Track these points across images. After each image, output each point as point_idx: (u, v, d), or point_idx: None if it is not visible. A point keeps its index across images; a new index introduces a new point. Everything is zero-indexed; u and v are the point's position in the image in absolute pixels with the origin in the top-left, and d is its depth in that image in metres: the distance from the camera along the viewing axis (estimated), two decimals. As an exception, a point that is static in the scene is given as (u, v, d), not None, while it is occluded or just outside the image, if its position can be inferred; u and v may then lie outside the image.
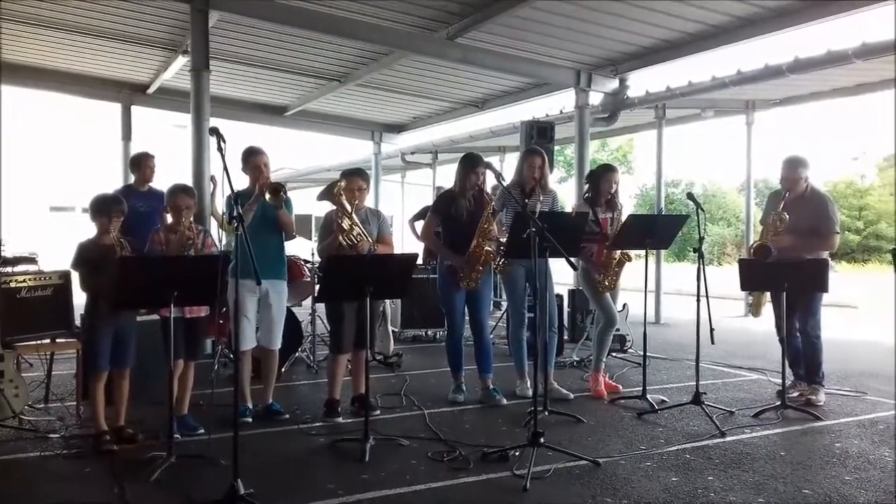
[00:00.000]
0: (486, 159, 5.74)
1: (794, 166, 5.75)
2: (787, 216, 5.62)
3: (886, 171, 34.02)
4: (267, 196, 4.92)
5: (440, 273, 5.88)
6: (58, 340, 5.43)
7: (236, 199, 3.82)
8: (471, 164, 5.66)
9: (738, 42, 8.49)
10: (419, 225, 8.52)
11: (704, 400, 5.29)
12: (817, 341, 5.70)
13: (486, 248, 5.53)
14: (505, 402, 5.66)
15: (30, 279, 5.34)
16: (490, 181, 6.02)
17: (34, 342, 5.33)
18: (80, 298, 4.84)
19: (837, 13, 7.55)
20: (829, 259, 5.76)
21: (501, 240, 5.58)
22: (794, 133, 34.47)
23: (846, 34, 8.08)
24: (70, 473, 4.07)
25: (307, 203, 8.21)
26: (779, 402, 5.43)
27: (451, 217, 5.71)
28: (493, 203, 5.62)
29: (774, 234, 5.68)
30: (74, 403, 5.32)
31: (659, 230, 5.79)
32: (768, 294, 5.89)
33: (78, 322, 5.34)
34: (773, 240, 5.67)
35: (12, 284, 5.18)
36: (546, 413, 5.11)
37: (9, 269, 6.34)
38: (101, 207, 4.57)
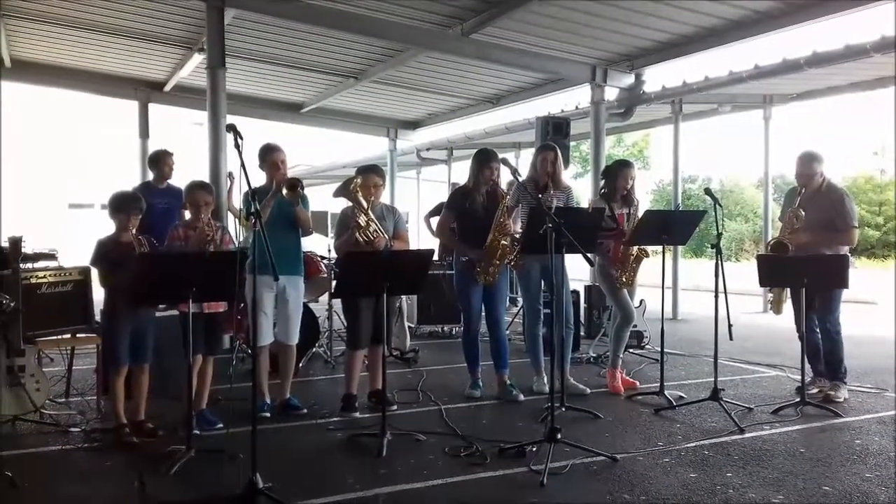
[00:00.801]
0: (501, 155, 5.74)
1: (808, 162, 5.70)
2: (803, 213, 5.58)
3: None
4: (284, 192, 4.94)
5: (457, 269, 5.89)
6: (78, 335, 5.49)
7: (253, 195, 3.84)
8: (484, 159, 5.65)
9: (755, 36, 8.44)
10: (434, 221, 8.52)
11: (723, 396, 5.26)
12: (837, 337, 5.65)
13: (503, 242, 5.53)
14: (522, 397, 5.66)
15: (50, 275, 5.40)
16: (506, 177, 6.01)
17: (55, 337, 5.39)
18: (99, 294, 4.89)
19: (855, 7, 7.48)
20: (849, 255, 5.71)
21: (517, 235, 5.58)
22: (812, 128, 34.07)
23: (864, 28, 8.00)
24: (91, 467, 4.13)
25: (323, 199, 8.23)
26: (798, 399, 5.39)
27: (465, 212, 5.71)
28: (507, 198, 5.61)
29: (791, 231, 5.64)
30: (95, 398, 5.38)
31: (676, 226, 5.76)
32: (787, 291, 5.85)
33: (98, 317, 5.39)
34: (789, 237, 5.63)
35: (33, 280, 5.24)
36: (563, 409, 5.10)
37: (29, 265, 6.39)
38: (120, 205, 4.62)
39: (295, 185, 4.98)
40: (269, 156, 5.21)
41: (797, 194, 5.69)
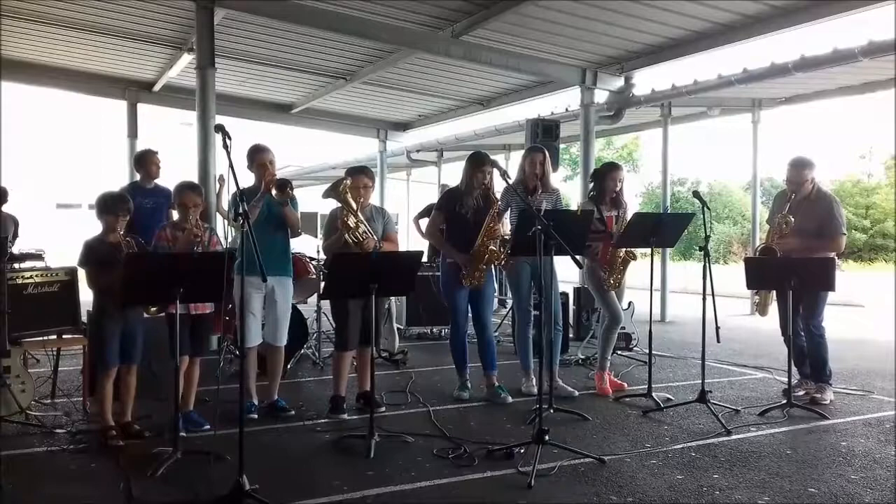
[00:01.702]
0: (492, 157, 5.73)
1: (799, 168, 5.73)
2: (792, 219, 5.60)
3: (893, 170, 33.84)
4: (273, 192, 4.93)
5: (443, 271, 5.88)
6: (64, 336, 5.45)
7: (241, 196, 3.82)
8: (478, 162, 5.65)
9: (744, 40, 8.48)
10: (424, 223, 8.53)
11: (710, 398, 5.28)
12: (821, 339, 5.68)
13: (491, 247, 5.53)
14: (510, 399, 5.66)
15: (37, 275, 5.36)
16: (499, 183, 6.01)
17: (41, 338, 5.35)
18: (86, 294, 4.87)
19: (844, 11, 7.53)
20: (836, 258, 5.74)
21: (506, 237, 5.58)
22: (800, 131, 34.32)
23: (853, 32, 8.07)
24: (76, 469, 4.09)
25: (313, 201, 8.24)
26: (785, 401, 5.42)
27: (455, 215, 5.71)
28: (499, 203, 5.62)
29: (780, 236, 5.67)
30: (81, 399, 5.35)
31: (664, 228, 5.78)
32: (774, 293, 5.87)
33: (84, 318, 5.36)
34: (778, 243, 5.66)
35: (19, 280, 5.20)
36: (551, 411, 5.10)
37: (16, 266, 6.35)
38: (107, 206, 4.59)
39: (284, 185, 4.96)
40: (258, 156, 5.19)
41: (787, 199, 5.71)
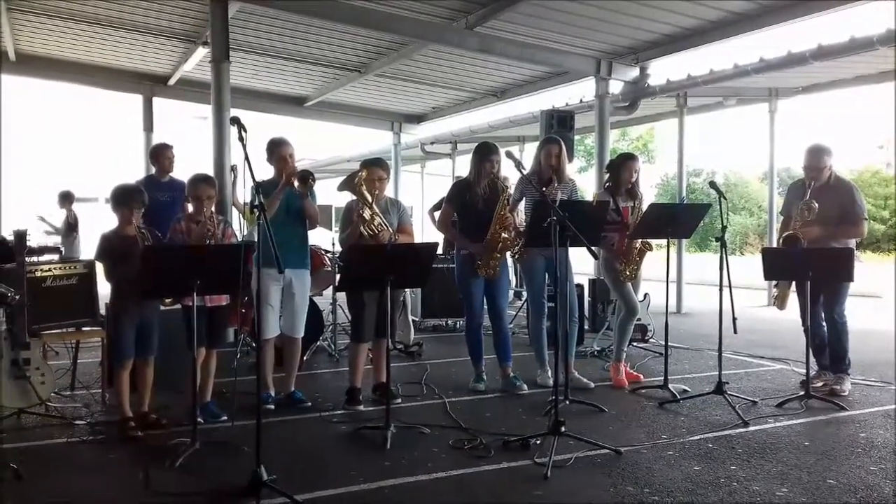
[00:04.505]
0: (505, 148, 5.72)
1: (818, 155, 5.67)
2: (816, 205, 5.54)
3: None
4: (296, 184, 4.94)
5: (458, 262, 5.88)
6: (83, 329, 5.50)
7: (258, 188, 3.83)
8: (485, 152, 5.65)
9: (760, 29, 8.41)
10: (438, 215, 8.53)
11: (727, 389, 5.25)
12: (843, 327, 5.63)
13: (504, 235, 5.53)
14: (526, 389, 5.66)
15: (55, 268, 5.40)
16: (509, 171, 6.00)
17: (60, 330, 5.40)
18: (104, 287, 4.90)
19: (861, -1, 7.46)
20: (855, 248, 5.69)
21: (521, 228, 5.57)
22: (817, 121, 33.82)
23: (870, 20, 7.96)
24: (95, 460, 4.14)
25: (328, 193, 8.25)
26: (802, 392, 5.38)
27: (466, 206, 5.71)
28: (508, 190, 5.60)
29: (804, 224, 5.61)
30: (100, 391, 5.39)
31: (680, 219, 5.74)
32: (793, 285, 5.83)
33: (103, 311, 5.41)
34: (802, 231, 5.60)
35: (38, 274, 5.25)
36: (567, 402, 5.10)
37: (34, 259, 6.40)
38: (123, 198, 4.62)
39: (306, 177, 4.97)
40: (278, 150, 5.21)
41: (806, 187, 5.66)
